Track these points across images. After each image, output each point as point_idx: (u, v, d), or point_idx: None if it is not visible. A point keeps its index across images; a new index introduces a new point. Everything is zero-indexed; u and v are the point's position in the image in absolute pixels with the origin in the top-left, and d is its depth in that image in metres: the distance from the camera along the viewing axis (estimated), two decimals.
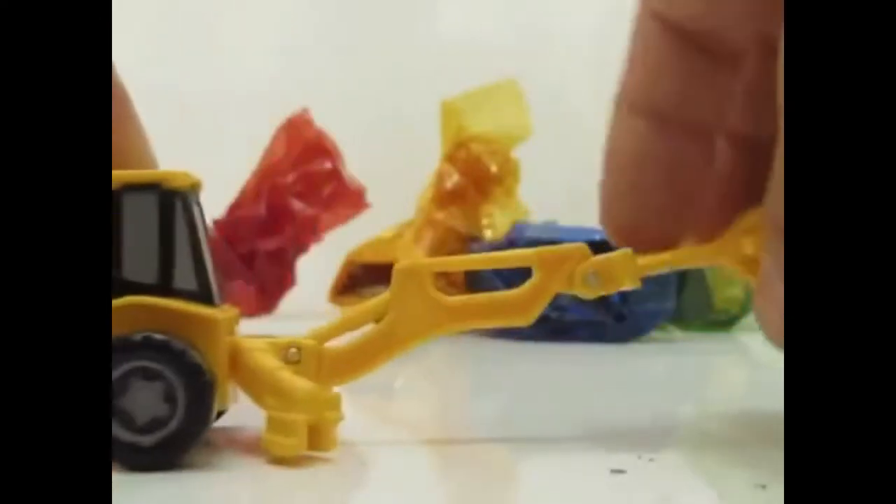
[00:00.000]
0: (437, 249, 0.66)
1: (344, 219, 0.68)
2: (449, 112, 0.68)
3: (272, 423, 0.25)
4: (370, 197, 0.75)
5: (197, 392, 0.24)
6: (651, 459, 0.25)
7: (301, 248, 0.67)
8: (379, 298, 0.28)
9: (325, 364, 0.27)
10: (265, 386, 0.25)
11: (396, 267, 0.28)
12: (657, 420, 0.34)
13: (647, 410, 0.36)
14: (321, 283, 0.68)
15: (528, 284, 0.27)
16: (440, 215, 0.67)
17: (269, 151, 0.69)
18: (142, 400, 0.24)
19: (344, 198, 0.73)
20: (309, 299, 0.67)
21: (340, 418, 0.25)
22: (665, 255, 0.28)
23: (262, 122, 0.69)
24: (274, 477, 0.24)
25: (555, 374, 0.49)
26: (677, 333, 0.65)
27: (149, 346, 0.24)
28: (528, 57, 0.83)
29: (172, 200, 0.25)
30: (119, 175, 0.25)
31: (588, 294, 0.27)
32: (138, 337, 0.24)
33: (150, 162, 0.30)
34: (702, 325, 0.67)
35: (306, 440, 0.24)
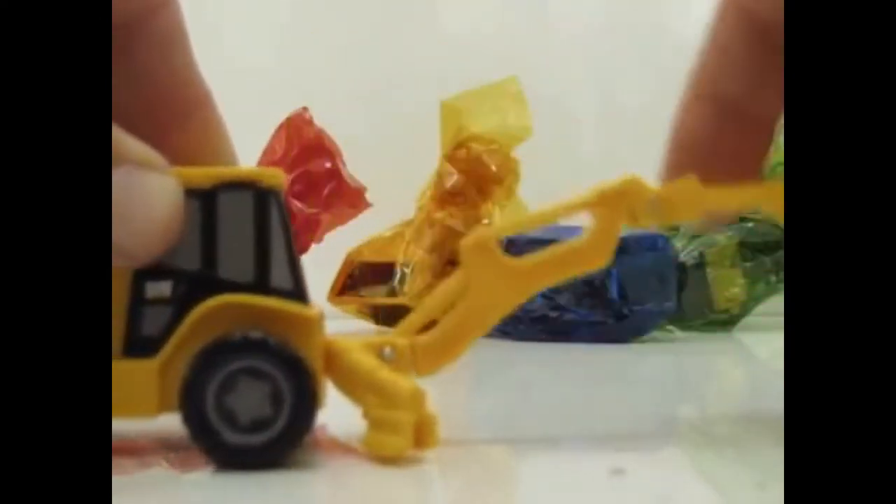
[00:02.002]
0: (437, 249, 0.66)
1: (344, 219, 0.68)
2: (449, 112, 0.68)
3: (377, 423, 0.25)
4: (370, 197, 0.75)
5: (303, 391, 0.24)
6: (651, 459, 0.25)
7: (301, 248, 0.67)
8: (453, 278, 0.28)
9: (418, 358, 0.27)
10: (367, 386, 0.25)
11: (463, 243, 0.28)
12: (657, 420, 0.34)
13: (647, 410, 0.36)
14: (321, 283, 0.67)
15: (593, 228, 0.28)
16: (440, 215, 0.67)
17: (269, 150, 0.69)
18: (248, 400, 0.24)
19: (344, 198, 0.72)
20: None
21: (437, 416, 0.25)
22: (729, 191, 0.28)
23: (261, 121, 0.69)
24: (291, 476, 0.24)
25: (555, 374, 0.49)
26: (677, 333, 0.65)
27: (257, 346, 0.24)
28: (528, 56, 0.83)
29: (267, 198, 0.25)
30: (213, 172, 0.25)
31: (652, 223, 0.28)
32: (256, 336, 0.24)
33: (234, 162, 0.29)
34: (702, 325, 0.67)
35: (412, 439, 0.24)
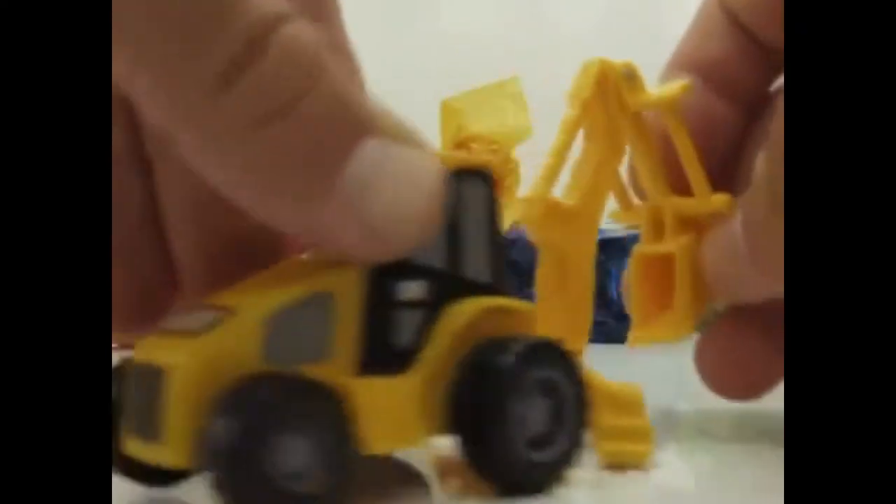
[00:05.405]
0: None
1: None
2: (449, 111, 0.68)
3: (612, 433, 0.24)
4: None
5: (583, 405, 0.22)
6: (651, 459, 0.25)
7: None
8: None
9: None
10: (597, 394, 0.23)
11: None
12: (657, 420, 0.34)
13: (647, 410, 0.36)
14: None
15: None
16: None
17: None
18: (537, 413, 0.21)
19: None
20: None
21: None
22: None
23: None
24: None
25: None
26: None
27: (551, 355, 0.21)
28: (528, 55, 0.83)
29: (493, 188, 0.21)
30: (451, 157, 0.22)
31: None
32: (542, 343, 0.21)
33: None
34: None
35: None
